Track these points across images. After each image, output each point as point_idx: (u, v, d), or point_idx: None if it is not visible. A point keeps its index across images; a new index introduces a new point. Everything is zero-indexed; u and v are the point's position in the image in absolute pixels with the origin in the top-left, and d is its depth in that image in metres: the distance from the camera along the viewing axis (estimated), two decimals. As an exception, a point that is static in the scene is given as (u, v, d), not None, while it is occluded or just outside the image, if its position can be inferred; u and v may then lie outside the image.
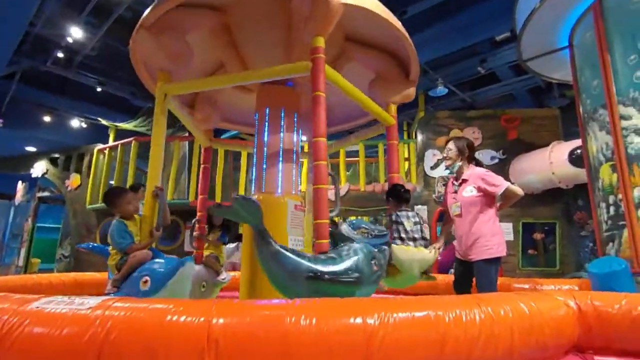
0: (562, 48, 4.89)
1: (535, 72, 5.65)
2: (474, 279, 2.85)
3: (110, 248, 2.79)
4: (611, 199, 3.82)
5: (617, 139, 3.65)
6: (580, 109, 4.55)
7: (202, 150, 4.39)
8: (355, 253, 2.30)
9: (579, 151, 5.45)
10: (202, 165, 4.33)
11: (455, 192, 3.01)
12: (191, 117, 3.93)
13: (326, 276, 2.10)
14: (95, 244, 2.81)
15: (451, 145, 3.06)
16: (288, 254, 2.14)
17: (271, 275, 2.19)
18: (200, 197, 4.20)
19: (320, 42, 2.73)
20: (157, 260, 2.66)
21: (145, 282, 2.45)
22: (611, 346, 2.00)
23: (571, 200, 6.83)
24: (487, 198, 2.83)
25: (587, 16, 4.21)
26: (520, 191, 2.82)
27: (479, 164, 3.07)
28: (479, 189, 2.83)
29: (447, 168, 3.13)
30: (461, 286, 2.97)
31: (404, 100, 3.63)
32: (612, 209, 3.82)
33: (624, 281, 3.01)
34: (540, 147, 6.55)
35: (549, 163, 6.06)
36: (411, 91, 3.61)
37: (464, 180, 2.95)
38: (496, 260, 2.75)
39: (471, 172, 2.95)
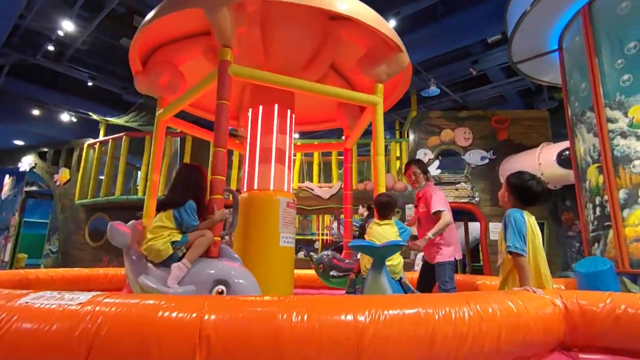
0: (552, 51, 4.96)
1: (525, 75, 5.73)
2: (435, 280, 3.35)
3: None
4: (597, 200, 3.90)
5: (603, 142, 3.73)
6: (569, 111, 4.63)
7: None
8: None
9: (567, 152, 5.55)
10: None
11: (416, 206, 3.51)
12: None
13: None
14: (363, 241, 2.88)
15: (416, 169, 3.50)
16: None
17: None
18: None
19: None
20: None
21: None
22: (595, 344, 2.05)
23: (559, 201, 6.94)
24: None
25: (576, 20, 4.28)
26: (445, 220, 3.24)
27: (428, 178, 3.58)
28: (427, 206, 3.33)
29: (415, 188, 3.60)
30: (423, 283, 3.47)
31: (398, 71, 3.45)
32: (598, 209, 3.90)
33: (609, 281, 3.08)
34: (529, 148, 6.64)
35: (538, 164, 6.16)
36: (402, 57, 3.35)
37: (419, 197, 3.46)
38: (450, 263, 3.26)
39: (424, 189, 3.44)
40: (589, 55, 3.96)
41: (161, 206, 2.54)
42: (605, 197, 3.72)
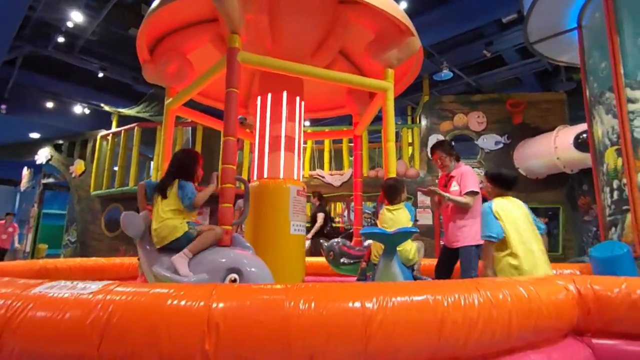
0: (571, 30, 4.77)
1: (542, 55, 5.54)
2: (454, 266, 3.21)
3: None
4: (615, 183, 3.79)
5: (623, 123, 3.60)
6: (587, 92, 4.47)
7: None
8: None
9: (584, 135, 5.39)
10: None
11: (445, 185, 3.35)
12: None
13: None
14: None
15: (439, 153, 3.38)
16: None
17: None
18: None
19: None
20: None
21: None
22: (610, 329, 2.02)
23: (576, 185, 6.79)
24: None
25: (596, -4, 4.10)
26: (468, 200, 3.16)
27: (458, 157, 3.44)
28: (460, 185, 3.19)
29: (443, 171, 3.46)
30: (442, 270, 3.28)
31: (409, 56, 3.36)
32: (616, 193, 3.79)
33: (625, 265, 3.01)
34: (545, 131, 6.48)
35: (554, 148, 6.01)
36: (414, 41, 3.26)
37: (452, 176, 3.32)
38: (476, 247, 3.08)
39: (458, 169, 3.31)
40: (609, 33, 3.80)
41: (159, 191, 2.54)
42: (624, 180, 3.61)
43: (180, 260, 2.30)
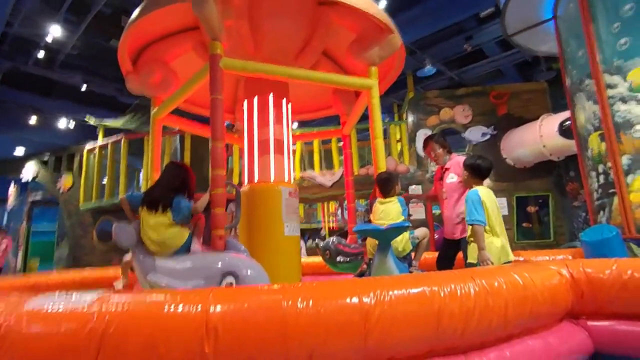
0: (547, 20, 4.86)
1: (521, 47, 5.64)
2: (456, 257, 3.23)
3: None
4: (601, 167, 3.87)
5: (604, 108, 3.67)
6: (567, 81, 4.56)
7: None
8: None
9: (568, 123, 5.48)
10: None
11: (441, 179, 3.37)
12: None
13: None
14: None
15: (434, 146, 3.41)
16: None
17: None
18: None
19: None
20: None
21: None
22: (603, 311, 2.06)
23: (563, 172, 6.89)
24: None
25: (570, -14, 4.18)
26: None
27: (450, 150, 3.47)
28: (458, 175, 3.18)
29: (437, 164, 3.49)
30: (444, 262, 3.29)
31: (390, 53, 3.38)
32: (602, 177, 3.87)
33: (615, 247, 3.07)
34: (529, 121, 6.57)
35: (539, 136, 6.09)
36: (394, 39, 3.27)
37: (447, 169, 3.32)
38: None
39: (452, 160, 3.32)
40: (584, 21, 3.88)
41: (148, 204, 2.52)
42: (608, 164, 3.69)
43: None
